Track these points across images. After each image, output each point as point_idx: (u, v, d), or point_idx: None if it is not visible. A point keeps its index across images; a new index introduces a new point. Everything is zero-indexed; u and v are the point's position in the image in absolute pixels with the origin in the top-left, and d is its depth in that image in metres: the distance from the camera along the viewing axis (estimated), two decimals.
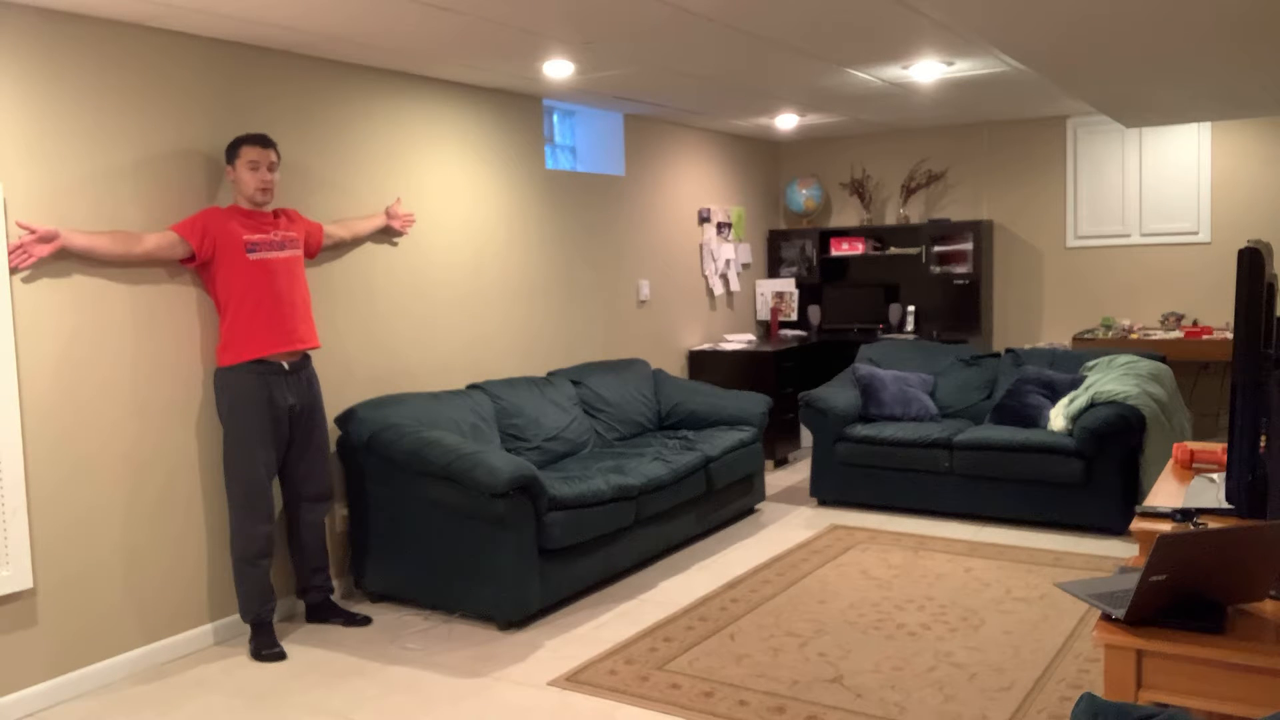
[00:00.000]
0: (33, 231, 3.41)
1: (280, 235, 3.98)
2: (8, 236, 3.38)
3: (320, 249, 4.28)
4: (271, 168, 3.93)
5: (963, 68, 5.14)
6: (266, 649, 3.88)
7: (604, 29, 4.06)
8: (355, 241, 4.54)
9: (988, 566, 4.68)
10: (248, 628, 4.00)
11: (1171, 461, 3.01)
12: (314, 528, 4.15)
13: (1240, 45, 4.09)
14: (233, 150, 3.90)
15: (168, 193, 3.85)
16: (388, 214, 4.66)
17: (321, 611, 4.21)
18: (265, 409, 3.87)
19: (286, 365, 3.95)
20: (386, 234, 4.71)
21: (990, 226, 7.33)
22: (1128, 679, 1.88)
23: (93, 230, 3.60)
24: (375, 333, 4.68)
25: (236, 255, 3.83)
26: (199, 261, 3.82)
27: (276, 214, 4.04)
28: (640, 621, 4.14)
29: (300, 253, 4.07)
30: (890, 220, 7.75)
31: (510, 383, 5.10)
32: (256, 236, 3.89)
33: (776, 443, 6.83)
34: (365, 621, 4.18)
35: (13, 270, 3.40)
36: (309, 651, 3.92)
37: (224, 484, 4.01)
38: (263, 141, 3.92)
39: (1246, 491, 2.30)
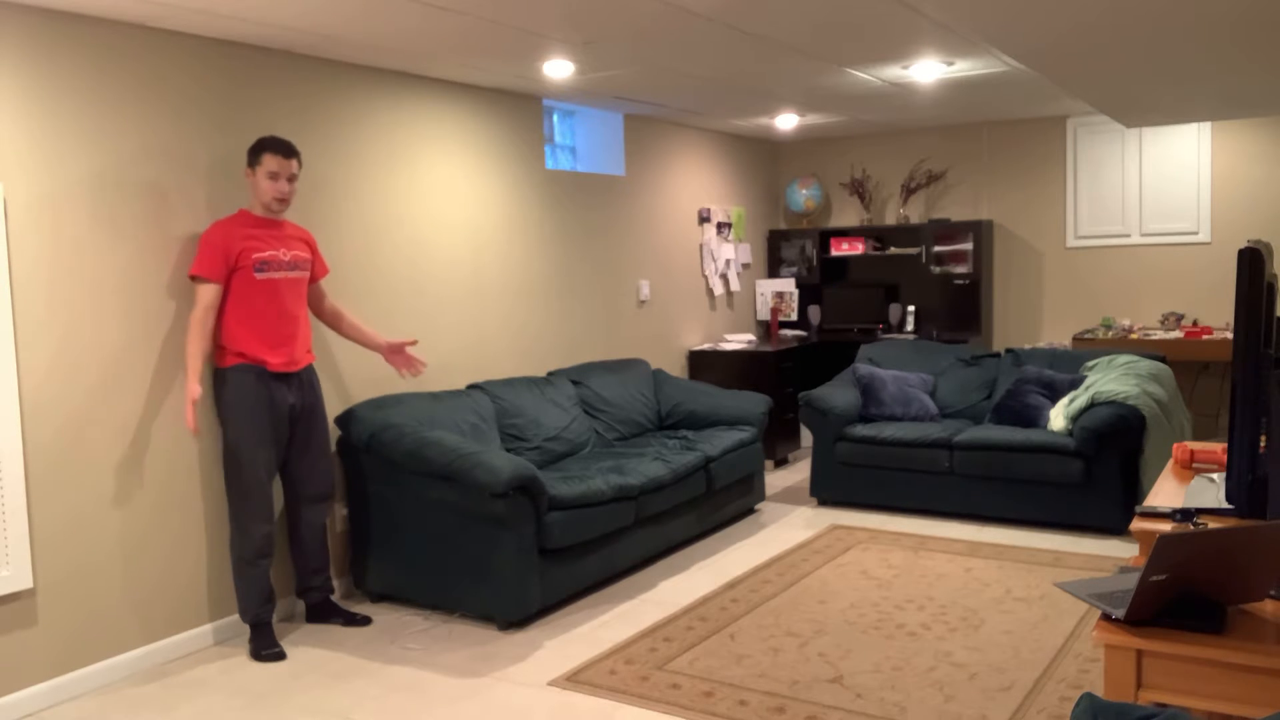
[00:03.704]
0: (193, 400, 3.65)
1: (291, 255, 3.96)
2: (8, 236, 3.38)
3: (320, 279, 4.20)
4: (291, 179, 3.90)
5: (963, 68, 5.14)
6: (266, 649, 3.87)
7: (604, 29, 4.06)
8: (346, 332, 4.30)
9: (988, 566, 4.67)
10: (247, 628, 4.00)
11: (1171, 461, 3.01)
12: (314, 528, 4.15)
13: (1239, 46, 4.09)
14: (255, 154, 3.86)
15: (168, 193, 3.85)
16: (391, 347, 4.34)
17: (321, 612, 4.21)
18: (265, 409, 3.87)
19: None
20: (390, 358, 4.40)
21: (990, 226, 7.33)
22: (1128, 679, 1.88)
23: (187, 358, 3.72)
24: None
25: (245, 273, 3.83)
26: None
27: (293, 229, 4.03)
28: (640, 621, 4.14)
29: (306, 275, 4.05)
30: (890, 220, 7.75)
31: (510, 383, 5.10)
32: (267, 253, 3.87)
33: (776, 443, 6.83)
34: (365, 621, 4.18)
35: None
36: (309, 651, 3.92)
37: (223, 484, 4.01)
38: (285, 151, 3.87)
39: (1246, 491, 2.30)
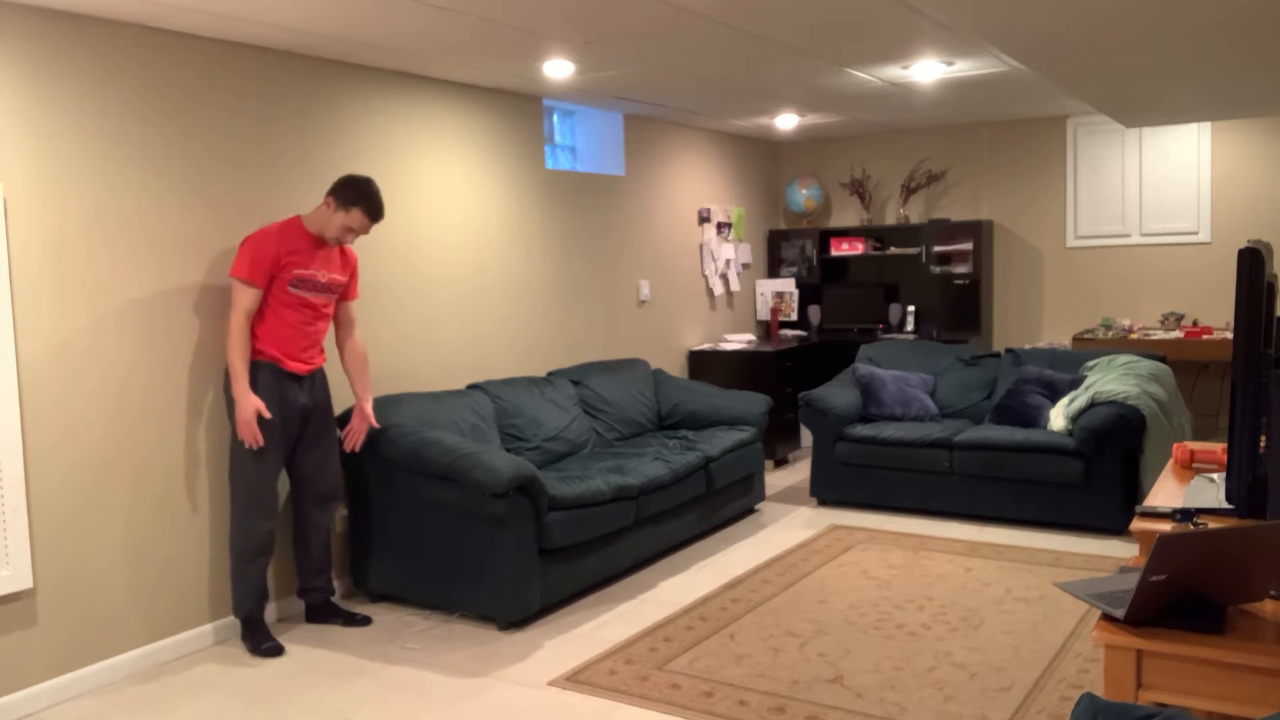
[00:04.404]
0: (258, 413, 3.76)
1: (328, 279, 3.98)
2: (8, 236, 3.38)
3: (350, 300, 4.17)
4: (361, 234, 3.98)
5: (963, 68, 5.14)
6: (265, 643, 3.89)
7: (604, 29, 4.06)
8: (346, 361, 4.19)
9: (988, 566, 4.67)
10: (244, 625, 4.00)
11: (1171, 461, 3.01)
12: (320, 528, 4.14)
13: (1235, 46, 4.09)
14: (350, 200, 3.87)
15: (168, 193, 3.85)
16: (362, 413, 4.15)
17: (322, 612, 4.21)
18: (277, 407, 3.87)
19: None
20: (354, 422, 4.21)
21: (990, 226, 7.33)
22: (1128, 679, 1.88)
23: (235, 365, 3.73)
24: (376, 332, 4.68)
25: (279, 284, 3.85)
26: None
27: (342, 251, 4.06)
28: (640, 621, 4.14)
29: (336, 298, 4.07)
30: (890, 220, 7.75)
31: (510, 383, 5.10)
32: (307, 273, 3.89)
33: (776, 443, 6.83)
34: (365, 621, 4.18)
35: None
36: (309, 651, 3.92)
37: (227, 480, 4.01)
38: (377, 216, 3.94)
39: (1246, 491, 2.30)
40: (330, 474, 4.13)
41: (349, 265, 4.11)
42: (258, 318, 3.86)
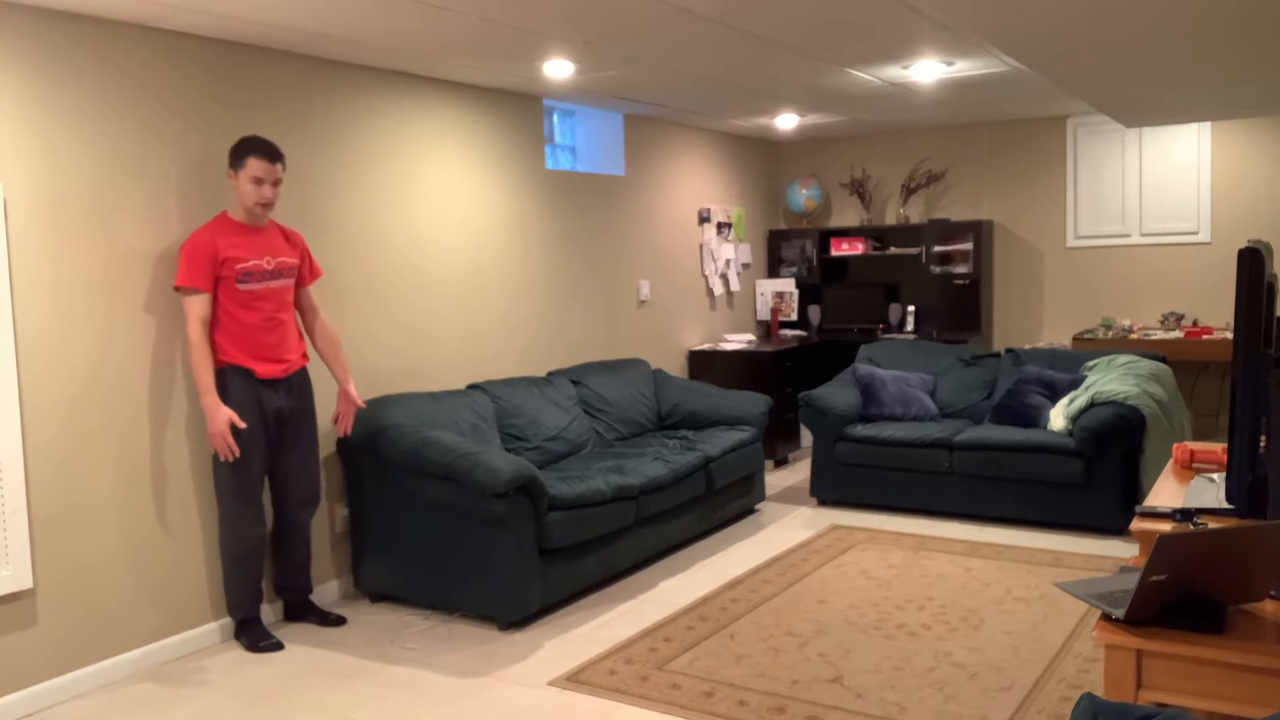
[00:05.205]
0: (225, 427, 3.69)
1: (275, 263, 3.88)
2: (8, 236, 3.38)
3: (308, 284, 4.11)
4: (276, 183, 3.81)
5: (963, 68, 5.14)
6: (264, 640, 3.90)
7: (604, 29, 4.06)
8: (319, 345, 4.16)
9: (988, 566, 4.67)
10: (240, 625, 3.99)
11: (1171, 461, 3.01)
12: (300, 531, 4.13)
13: (1234, 46, 4.09)
14: (238, 156, 3.77)
15: (168, 194, 3.85)
16: (346, 394, 4.12)
17: (299, 611, 4.20)
18: (253, 413, 3.84)
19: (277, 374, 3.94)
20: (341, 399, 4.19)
21: (990, 226, 7.33)
22: (1128, 679, 1.88)
23: (200, 378, 3.67)
24: (375, 332, 4.68)
25: (227, 284, 3.77)
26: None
27: (283, 232, 3.99)
28: (640, 621, 4.14)
29: (293, 281, 3.99)
30: (890, 220, 7.75)
31: (510, 383, 5.10)
32: (250, 264, 3.80)
33: (776, 443, 6.83)
34: (340, 621, 4.16)
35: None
36: (309, 651, 3.92)
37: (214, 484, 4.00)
38: (270, 154, 3.78)
39: (1246, 491, 2.30)
40: (309, 477, 4.10)
41: (296, 245, 4.02)
42: (216, 327, 3.77)
